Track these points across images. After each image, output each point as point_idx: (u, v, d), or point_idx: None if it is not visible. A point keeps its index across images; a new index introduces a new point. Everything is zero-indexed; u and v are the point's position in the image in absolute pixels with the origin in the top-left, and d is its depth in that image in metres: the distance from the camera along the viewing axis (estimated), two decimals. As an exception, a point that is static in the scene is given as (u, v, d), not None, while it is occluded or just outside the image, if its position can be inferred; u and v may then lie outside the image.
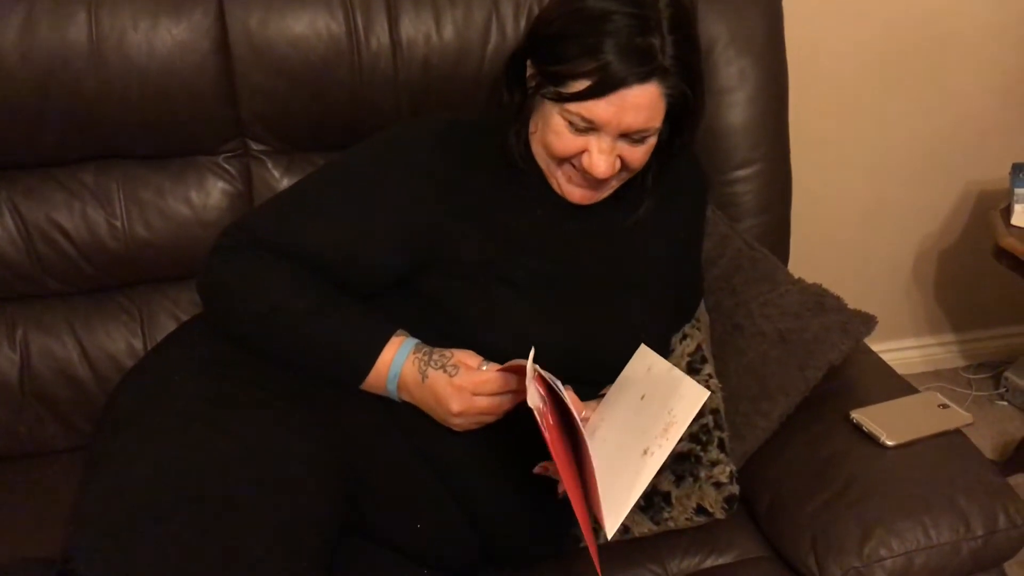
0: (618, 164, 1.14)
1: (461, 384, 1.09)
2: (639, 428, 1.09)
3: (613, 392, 1.19)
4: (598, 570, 1.05)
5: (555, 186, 1.20)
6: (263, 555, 1.00)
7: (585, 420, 1.16)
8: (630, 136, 1.11)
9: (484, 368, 1.10)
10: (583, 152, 1.13)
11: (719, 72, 1.58)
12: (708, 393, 1.07)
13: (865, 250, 2.26)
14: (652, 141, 1.14)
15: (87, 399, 1.46)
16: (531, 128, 1.20)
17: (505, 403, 1.11)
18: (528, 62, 1.17)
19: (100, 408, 1.33)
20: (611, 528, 1.02)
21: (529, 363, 0.98)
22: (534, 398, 0.96)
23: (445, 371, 1.10)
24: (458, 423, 1.11)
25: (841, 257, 2.20)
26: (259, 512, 1.03)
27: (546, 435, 0.97)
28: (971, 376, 2.47)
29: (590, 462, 1.01)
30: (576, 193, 1.19)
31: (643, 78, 1.07)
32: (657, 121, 1.11)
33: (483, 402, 1.10)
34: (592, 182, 1.17)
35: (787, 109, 1.65)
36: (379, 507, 1.17)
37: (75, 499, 1.13)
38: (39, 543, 1.22)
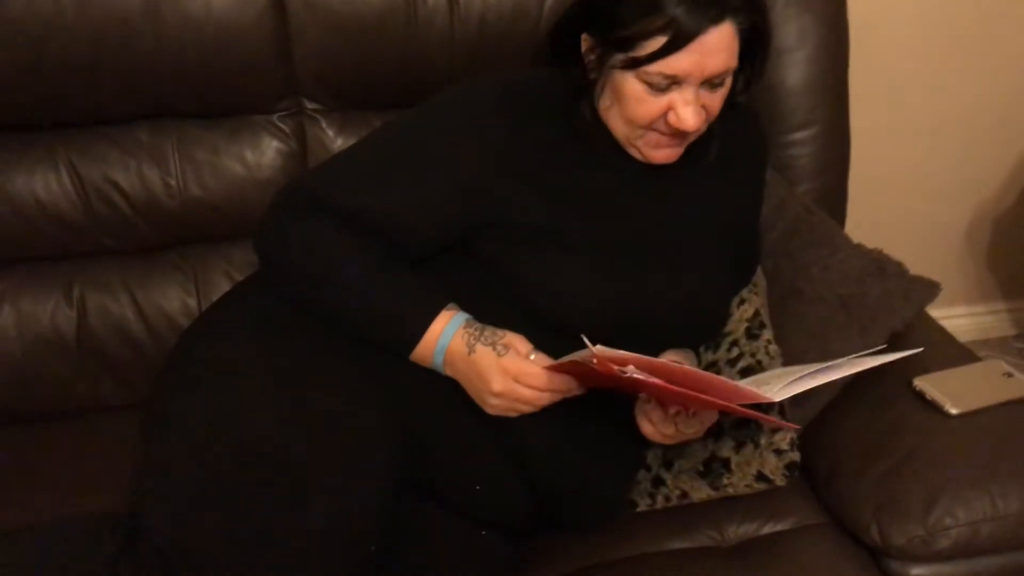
0: (703, 114, 1.12)
1: (506, 366, 1.08)
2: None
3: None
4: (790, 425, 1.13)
5: (635, 154, 1.18)
6: (327, 515, 1.01)
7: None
8: (710, 82, 1.09)
9: (533, 357, 1.09)
10: (667, 111, 1.10)
11: (778, 30, 1.54)
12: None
13: (918, 216, 2.22)
14: (729, 82, 1.12)
15: (142, 357, 1.47)
16: (601, 103, 1.17)
17: (545, 398, 1.09)
18: (583, 36, 1.14)
19: (155, 366, 1.34)
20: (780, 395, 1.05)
21: (592, 349, 0.96)
22: (630, 372, 0.95)
23: (494, 349, 1.09)
24: (494, 403, 1.10)
25: (894, 222, 2.16)
26: (321, 473, 1.03)
27: (659, 383, 0.96)
28: (1020, 345, 2.43)
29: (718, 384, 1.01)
30: (661, 155, 1.17)
31: (716, 20, 1.04)
32: (735, 60, 1.09)
33: (524, 391, 1.08)
34: (678, 139, 1.15)
35: (847, 70, 1.62)
36: (438, 468, 1.17)
37: (137, 458, 1.13)
38: (99, 497, 1.23)
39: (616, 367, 0.96)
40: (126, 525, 1.02)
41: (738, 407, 1.05)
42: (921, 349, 1.24)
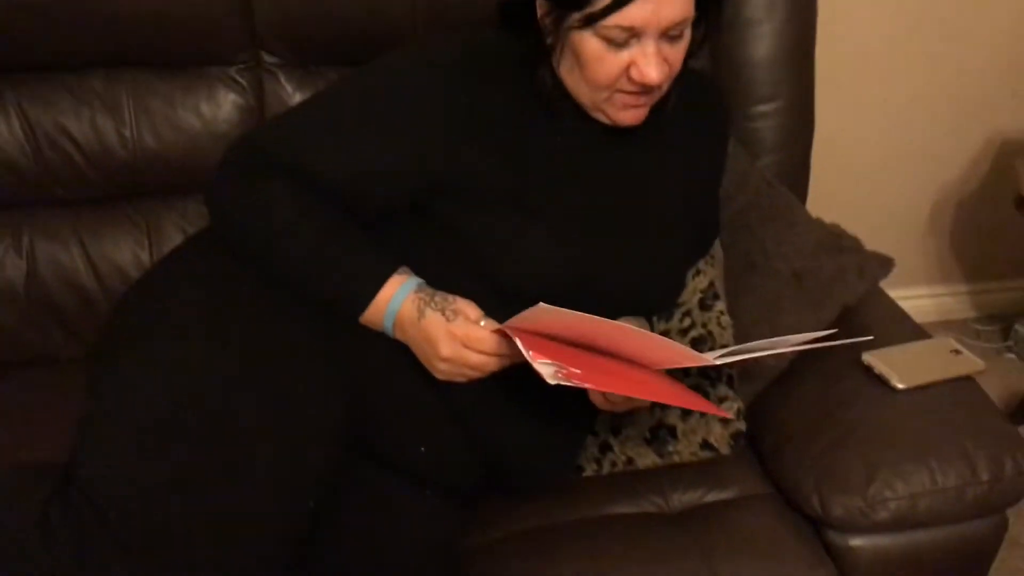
0: (665, 67, 1.11)
1: (455, 331, 1.07)
2: None
3: None
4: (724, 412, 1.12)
5: (602, 118, 1.16)
6: (266, 471, 1.01)
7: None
8: (669, 33, 1.07)
9: (483, 324, 1.08)
10: (629, 67, 1.09)
11: (747, 3, 1.54)
12: None
13: (883, 194, 2.23)
14: (688, 34, 1.10)
15: (92, 309, 1.46)
16: (562, 68, 1.15)
17: (493, 363, 1.08)
18: (538, 1, 1.12)
19: (105, 318, 1.32)
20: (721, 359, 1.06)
21: (519, 344, 0.96)
22: (548, 372, 0.94)
23: (444, 314, 1.08)
24: (443, 368, 1.09)
25: (858, 200, 2.17)
26: (262, 428, 1.03)
27: (587, 386, 0.96)
28: (980, 327, 2.45)
29: (650, 343, 1.01)
30: (628, 115, 1.15)
31: None
32: (692, 8, 1.07)
33: (472, 357, 1.07)
34: (644, 98, 1.13)
35: (814, 45, 1.61)
36: (382, 427, 1.17)
37: (80, 409, 1.12)
38: (42, 449, 1.21)
39: (526, 349, 0.96)
40: (62, 472, 1.01)
41: (670, 395, 1.05)
42: (871, 338, 1.25)
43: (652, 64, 1.07)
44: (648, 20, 1.04)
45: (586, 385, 0.96)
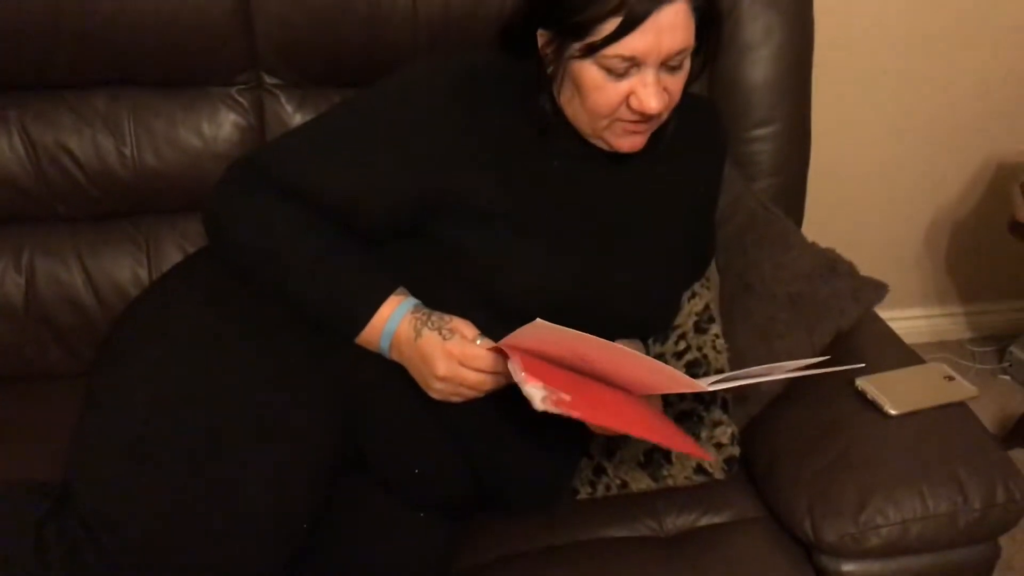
0: (665, 96, 1.12)
1: (451, 350, 1.07)
2: None
3: None
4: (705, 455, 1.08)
5: (602, 145, 1.18)
6: (259, 490, 1.01)
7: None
8: (668, 63, 1.09)
9: (479, 342, 1.09)
10: (629, 96, 1.10)
11: (744, 27, 1.55)
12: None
13: (878, 217, 2.24)
14: (687, 65, 1.12)
15: (91, 325, 1.46)
16: (562, 96, 1.16)
17: (489, 382, 1.09)
18: (539, 31, 1.13)
19: (103, 335, 1.33)
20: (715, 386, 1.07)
21: (511, 365, 0.96)
22: (537, 396, 0.95)
23: (440, 333, 1.09)
24: (439, 388, 1.09)
25: (854, 223, 2.18)
26: (256, 447, 1.04)
27: (574, 415, 0.96)
28: (975, 349, 2.46)
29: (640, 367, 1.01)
30: (628, 142, 1.16)
31: None
32: (692, 38, 1.09)
33: (469, 375, 1.08)
34: (644, 125, 1.14)
35: (811, 69, 1.62)
36: (378, 448, 1.17)
37: (75, 425, 1.13)
38: (37, 466, 1.21)
39: (519, 370, 0.97)
40: (57, 492, 1.01)
41: (657, 432, 1.05)
42: (863, 365, 1.27)
43: (652, 94, 1.08)
44: (648, 50, 1.06)
45: (573, 414, 0.96)
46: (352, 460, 1.16)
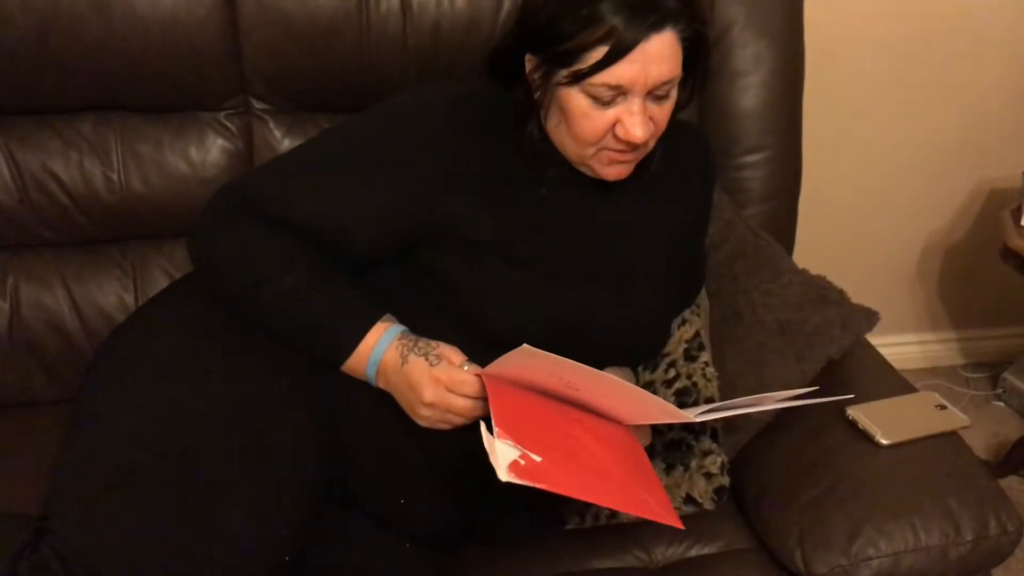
0: (651, 125, 1.11)
1: (438, 376, 1.07)
2: None
3: None
4: (676, 523, 1.02)
5: (588, 172, 1.17)
6: (241, 523, 0.99)
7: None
8: (655, 93, 1.08)
9: (466, 368, 1.08)
10: (615, 125, 1.09)
11: (734, 54, 1.55)
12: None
13: (870, 243, 2.24)
14: (674, 95, 1.12)
15: (75, 352, 1.45)
16: (549, 122, 1.16)
17: (478, 408, 1.08)
18: (527, 57, 1.13)
19: (88, 361, 1.31)
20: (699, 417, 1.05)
21: (485, 434, 0.93)
22: (506, 459, 0.91)
23: (427, 359, 1.08)
24: (426, 415, 1.08)
25: (846, 249, 2.18)
26: (238, 479, 1.02)
27: (540, 486, 0.92)
28: (969, 375, 2.45)
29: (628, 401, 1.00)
30: (613, 171, 1.16)
31: (657, 27, 1.04)
32: (679, 68, 1.09)
33: (457, 401, 1.07)
34: (630, 155, 1.14)
35: (801, 96, 1.63)
36: (363, 478, 1.16)
37: (55, 455, 1.11)
38: (19, 497, 1.20)
39: (495, 424, 0.94)
40: (35, 524, 0.99)
41: (630, 500, 1.01)
42: (852, 396, 1.27)
43: (638, 123, 1.08)
44: (635, 79, 1.05)
45: (539, 485, 0.92)
46: (338, 495, 1.15)
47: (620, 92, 1.07)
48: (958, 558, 1.17)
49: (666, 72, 1.07)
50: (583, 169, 1.18)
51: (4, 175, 1.39)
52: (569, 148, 1.16)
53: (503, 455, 0.92)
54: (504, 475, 0.91)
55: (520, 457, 0.93)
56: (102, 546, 0.94)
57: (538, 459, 0.94)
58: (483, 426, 0.95)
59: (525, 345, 0.95)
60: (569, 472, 0.97)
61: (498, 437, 0.93)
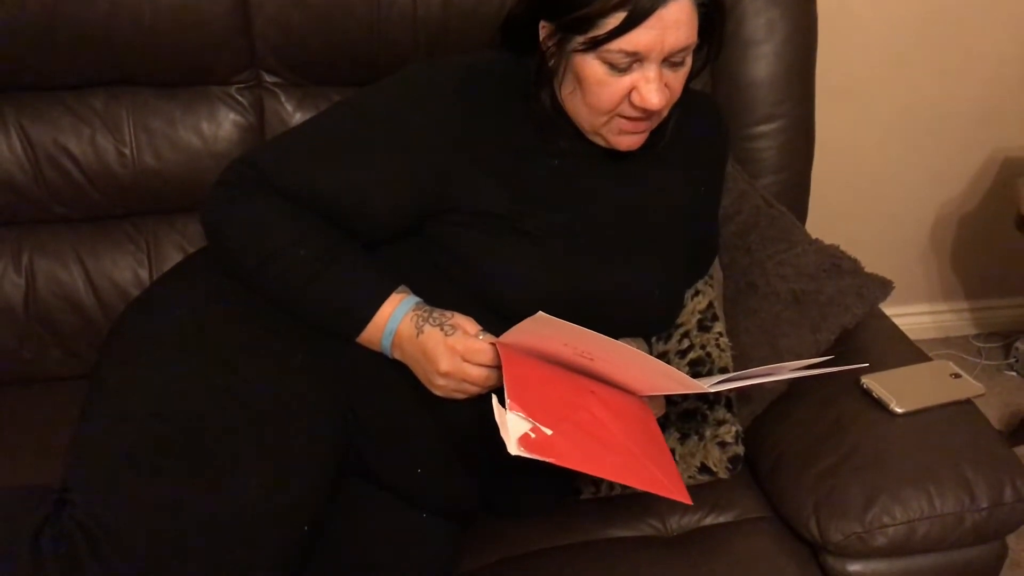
0: (666, 92, 1.11)
1: (454, 345, 1.07)
2: None
3: None
4: (685, 500, 1.03)
5: (601, 142, 1.17)
6: (259, 494, 1.00)
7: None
8: (671, 60, 1.08)
9: (481, 337, 1.08)
10: (631, 92, 1.09)
11: (747, 23, 1.54)
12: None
13: (884, 212, 2.23)
14: (689, 62, 1.11)
15: (91, 327, 1.45)
16: (563, 90, 1.15)
17: (493, 377, 1.08)
18: (542, 23, 1.13)
19: (103, 336, 1.32)
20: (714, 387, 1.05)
21: (497, 407, 0.93)
22: (517, 431, 0.91)
23: (442, 329, 1.08)
24: (442, 384, 1.08)
25: (859, 219, 2.17)
26: (255, 450, 1.03)
27: (549, 460, 0.92)
28: (981, 345, 2.45)
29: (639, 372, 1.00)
30: (627, 140, 1.15)
31: None
32: (695, 35, 1.08)
33: (472, 370, 1.07)
34: (644, 123, 1.13)
35: (814, 65, 1.61)
36: (379, 450, 1.17)
37: (75, 428, 1.12)
38: (38, 470, 1.22)
39: (507, 396, 0.94)
40: (55, 496, 1.00)
41: (640, 474, 1.01)
42: (867, 365, 1.26)
43: (653, 89, 1.07)
44: (652, 45, 1.05)
45: (548, 459, 0.92)
46: (354, 465, 1.15)
47: (636, 59, 1.06)
48: (973, 525, 1.18)
49: (683, 39, 1.06)
50: (596, 139, 1.17)
51: (17, 152, 1.39)
52: (583, 117, 1.15)
53: (514, 428, 0.92)
54: (514, 448, 0.91)
55: (531, 430, 0.93)
56: (123, 516, 0.95)
57: (548, 432, 0.94)
58: (495, 399, 0.95)
59: (540, 313, 0.95)
60: (579, 446, 0.97)
61: (510, 409, 0.93)
